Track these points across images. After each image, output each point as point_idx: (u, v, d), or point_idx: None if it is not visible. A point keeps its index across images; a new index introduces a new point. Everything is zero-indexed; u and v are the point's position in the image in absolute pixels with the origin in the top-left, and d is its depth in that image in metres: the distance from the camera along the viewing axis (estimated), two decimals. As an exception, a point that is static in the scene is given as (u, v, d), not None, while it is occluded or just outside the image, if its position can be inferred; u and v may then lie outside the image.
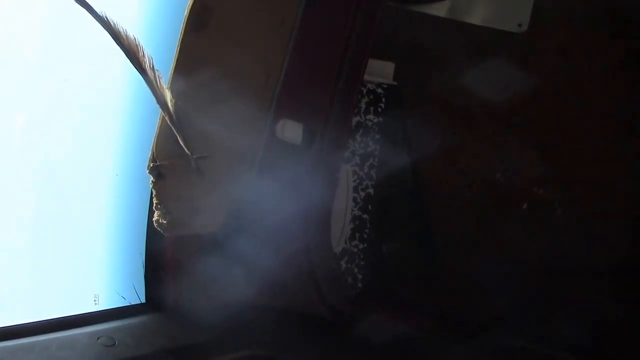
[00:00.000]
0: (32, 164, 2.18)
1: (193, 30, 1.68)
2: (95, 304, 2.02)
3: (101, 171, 2.30)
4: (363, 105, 2.30)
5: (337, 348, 2.00)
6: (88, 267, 2.25)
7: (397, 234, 2.42)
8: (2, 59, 2.03)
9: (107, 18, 1.50)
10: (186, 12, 1.67)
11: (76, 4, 1.46)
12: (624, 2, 2.23)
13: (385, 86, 2.34)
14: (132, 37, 1.54)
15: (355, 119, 2.27)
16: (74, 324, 1.76)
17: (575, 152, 2.29)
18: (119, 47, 1.54)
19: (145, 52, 1.57)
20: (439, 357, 1.99)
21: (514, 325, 2.06)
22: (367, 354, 1.95)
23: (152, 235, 1.90)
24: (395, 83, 2.37)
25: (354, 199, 2.28)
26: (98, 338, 1.71)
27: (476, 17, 2.34)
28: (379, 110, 2.32)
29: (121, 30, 1.52)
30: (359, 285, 2.28)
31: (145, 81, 1.59)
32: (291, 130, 1.89)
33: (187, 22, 1.67)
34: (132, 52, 1.55)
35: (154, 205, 1.71)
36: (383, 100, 2.33)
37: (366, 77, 2.18)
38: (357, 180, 2.29)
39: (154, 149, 1.69)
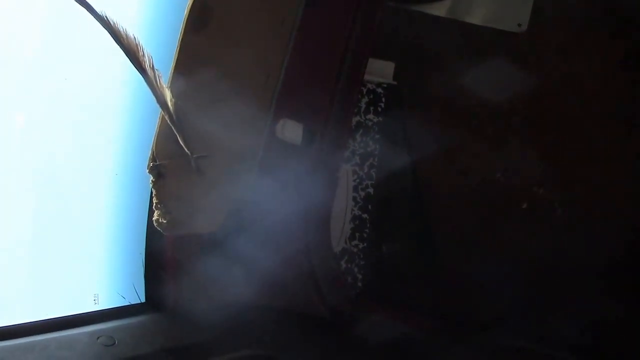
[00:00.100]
0: (32, 163, 2.18)
1: (193, 30, 1.68)
2: (95, 303, 2.02)
3: (101, 171, 2.30)
4: (363, 105, 2.30)
5: (337, 348, 2.00)
6: (88, 267, 2.25)
7: (397, 234, 2.41)
8: (2, 59, 2.03)
9: (107, 17, 1.50)
10: (186, 12, 1.67)
11: (76, 3, 1.46)
12: (624, 2, 2.23)
13: (385, 86, 2.34)
14: (132, 37, 1.54)
15: (355, 119, 2.27)
16: (73, 324, 1.76)
17: (575, 152, 2.29)
18: (118, 47, 1.54)
19: (145, 51, 1.57)
20: (439, 357, 1.99)
21: (514, 325, 2.06)
22: (367, 354, 1.94)
23: (152, 235, 1.90)
24: (395, 83, 2.37)
25: (354, 199, 2.28)
26: (98, 338, 1.71)
27: (476, 17, 2.34)
28: (379, 110, 2.33)
29: (121, 29, 1.52)
30: (359, 285, 2.28)
31: (145, 81, 1.59)
32: (291, 130, 1.89)
33: (187, 22, 1.67)
34: (132, 52, 1.55)
35: (154, 204, 1.71)
36: (383, 100, 2.33)
37: (366, 76, 2.18)
38: (357, 180, 2.29)
39: (154, 148, 1.69)
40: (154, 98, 1.62)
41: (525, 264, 2.19)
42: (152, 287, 2.00)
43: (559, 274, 2.17)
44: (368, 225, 2.30)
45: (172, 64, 1.67)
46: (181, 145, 1.67)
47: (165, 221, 1.69)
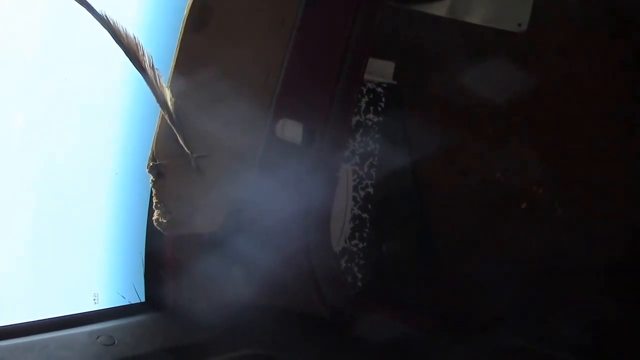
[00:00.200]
0: (32, 163, 2.18)
1: (193, 30, 1.67)
2: (95, 303, 2.02)
3: (101, 170, 2.30)
4: (363, 105, 2.30)
5: (337, 348, 2.00)
6: (88, 266, 2.25)
7: (397, 234, 2.42)
8: (2, 59, 2.03)
9: (107, 17, 1.49)
10: (186, 11, 1.67)
11: (76, 3, 1.46)
12: (624, 2, 2.23)
13: (385, 85, 2.34)
14: (132, 36, 1.54)
15: (355, 118, 2.27)
16: (73, 323, 1.76)
17: (575, 152, 2.29)
18: (118, 46, 1.54)
19: (145, 51, 1.57)
20: (439, 357, 1.98)
21: (514, 325, 2.06)
22: (367, 354, 1.94)
23: (152, 235, 1.89)
24: (395, 82, 2.38)
25: (354, 198, 2.28)
26: (97, 337, 1.71)
27: (476, 16, 2.34)
28: (379, 109, 2.33)
29: (121, 29, 1.52)
30: (359, 284, 2.28)
31: (145, 80, 1.59)
32: (291, 130, 1.89)
33: (187, 22, 1.67)
34: (132, 51, 1.55)
35: (154, 204, 1.70)
36: (383, 99, 2.33)
37: (366, 76, 2.18)
38: (357, 180, 2.29)
39: (154, 148, 1.69)
40: (154, 97, 1.62)
41: (525, 264, 2.19)
42: (152, 286, 2.00)
43: (559, 274, 2.17)
44: (368, 224, 2.30)
45: (172, 64, 1.67)
46: (181, 145, 1.67)
47: (165, 221, 1.69)
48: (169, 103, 1.63)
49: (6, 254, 2.11)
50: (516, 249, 2.26)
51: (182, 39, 1.67)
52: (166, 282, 1.96)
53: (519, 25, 2.29)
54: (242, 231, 1.87)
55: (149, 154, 1.69)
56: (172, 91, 1.63)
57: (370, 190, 2.31)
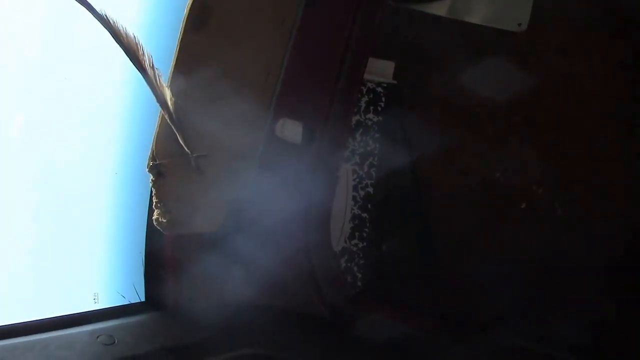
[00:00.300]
0: (32, 162, 2.19)
1: (193, 29, 1.67)
2: (95, 302, 2.02)
3: (101, 170, 2.30)
4: (363, 104, 2.30)
5: (337, 348, 2.00)
6: (88, 266, 2.25)
7: (397, 233, 2.42)
8: (2, 59, 2.04)
9: (107, 17, 1.49)
10: (186, 11, 1.67)
11: (76, 3, 1.46)
12: (624, 2, 2.23)
13: (385, 85, 2.34)
14: (132, 36, 1.54)
15: (355, 118, 2.27)
16: (73, 323, 1.76)
17: (575, 152, 2.29)
18: (118, 46, 1.54)
19: (145, 50, 1.57)
20: (439, 357, 1.98)
21: (514, 325, 2.05)
22: (367, 354, 1.94)
23: (152, 234, 1.90)
24: (395, 82, 2.38)
25: (354, 198, 2.28)
26: (97, 337, 1.71)
27: (476, 16, 2.34)
28: (379, 109, 2.33)
29: (121, 28, 1.52)
30: (359, 284, 2.28)
31: (145, 80, 1.59)
32: (291, 130, 1.89)
33: (186, 21, 1.67)
34: (132, 51, 1.55)
35: (154, 203, 1.70)
36: (383, 99, 2.33)
37: (366, 76, 2.18)
38: (357, 179, 2.29)
39: (154, 147, 1.69)
40: (154, 97, 1.62)
41: (525, 264, 2.18)
42: (151, 286, 2.00)
43: (559, 274, 2.17)
44: (368, 224, 2.30)
45: (172, 63, 1.67)
46: (181, 145, 1.67)
47: (165, 220, 1.69)
48: (169, 103, 1.63)
49: (6, 254, 2.11)
50: (516, 249, 2.26)
51: (182, 38, 1.67)
52: (166, 281, 1.96)
53: (519, 25, 2.29)
54: (242, 231, 1.87)
55: (149, 154, 1.69)
56: (172, 91, 1.63)
57: (370, 190, 2.31)
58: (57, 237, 2.21)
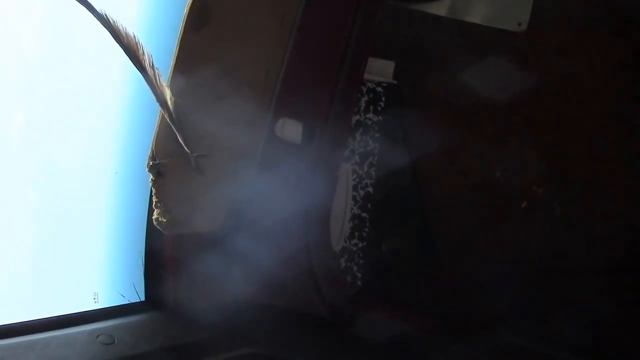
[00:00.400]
0: (32, 162, 2.19)
1: (193, 29, 1.68)
2: (95, 302, 2.02)
3: (101, 169, 2.30)
4: (363, 104, 2.30)
5: (337, 347, 2.00)
6: (88, 266, 2.25)
7: (397, 233, 2.42)
8: (2, 59, 2.04)
9: (106, 16, 1.49)
10: (186, 10, 1.67)
11: (76, 2, 1.46)
12: (624, 2, 2.23)
13: (385, 85, 2.34)
14: (132, 35, 1.54)
15: (355, 118, 2.27)
16: (73, 322, 1.76)
17: (575, 152, 2.29)
18: (118, 45, 1.54)
19: (145, 50, 1.57)
20: (439, 357, 1.98)
21: (514, 325, 2.06)
22: (367, 354, 1.94)
23: (152, 234, 1.90)
24: (395, 82, 2.38)
25: (354, 198, 2.28)
26: (97, 336, 1.71)
27: (476, 16, 2.34)
28: (379, 109, 2.33)
29: (121, 28, 1.52)
30: (359, 283, 2.28)
31: (145, 79, 1.59)
32: (291, 129, 1.89)
33: (186, 20, 1.67)
34: (131, 50, 1.55)
35: (154, 203, 1.70)
36: (383, 99, 2.33)
37: (366, 75, 2.18)
38: (357, 179, 2.29)
39: (154, 147, 1.69)
40: (154, 97, 1.62)
41: (525, 264, 2.19)
42: (151, 285, 2.00)
43: (559, 274, 2.17)
44: (367, 224, 2.30)
45: (171, 63, 1.67)
46: (181, 144, 1.67)
47: (165, 220, 1.69)
48: (169, 102, 1.63)
49: (7, 254, 2.11)
50: (516, 249, 2.26)
51: (182, 38, 1.67)
52: (166, 281, 1.96)
53: (519, 24, 2.29)
54: (242, 231, 1.87)
55: (149, 153, 1.69)
56: (172, 90, 1.63)
57: (370, 189, 2.31)
58: (57, 237, 2.21)
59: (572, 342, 1.98)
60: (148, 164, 1.69)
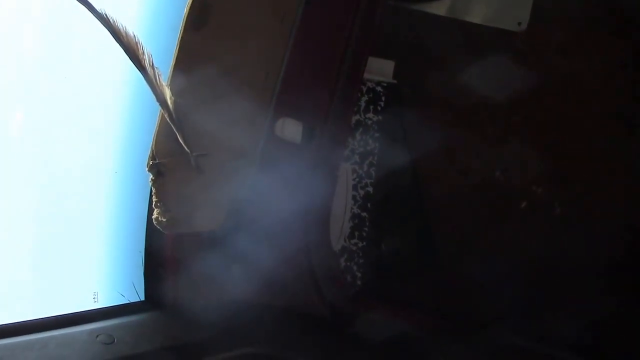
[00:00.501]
0: (32, 162, 2.19)
1: (193, 28, 1.68)
2: (95, 301, 2.02)
3: (101, 169, 2.30)
4: (362, 104, 2.30)
5: (337, 347, 2.00)
6: (87, 265, 2.25)
7: (397, 233, 2.41)
8: (2, 58, 2.04)
9: (106, 15, 1.49)
10: (186, 10, 1.67)
11: (76, 2, 1.46)
12: (624, 2, 2.23)
13: (384, 84, 2.34)
14: (132, 35, 1.54)
15: (354, 117, 2.27)
16: (73, 322, 1.76)
17: (575, 152, 2.29)
18: (118, 45, 1.54)
19: (145, 49, 1.57)
20: (439, 356, 1.98)
21: (514, 324, 2.06)
22: (367, 353, 1.94)
23: (152, 233, 1.89)
24: (395, 81, 2.38)
25: (353, 197, 2.28)
26: (97, 336, 1.71)
27: (476, 15, 2.34)
28: (379, 108, 2.33)
29: (121, 27, 1.52)
30: (358, 283, 2.28)
31: (145, 79, 1.59)
32: (291, 129, 1.89)
33: (186, 20, 1.67)
34: (131, 50, 1.55)
35: (154, 203, 1.70)
36: (383, 98, 2.33)
37: (366, 75, 2.18)
38: (357, 179, 2.29)
39: (154, 146, 1.69)
40: (154, 96, 1.62)
41: (525, 264, 2.18)
42: (151, 285, 2.00)
43: (559, 274, 2.17)
44: (367, 223, 2.30)
45: (171, 62, 1.67)
46: (181, 144, 1.67)
47: (164, 219, 1.69)
48: (169, 102, 1.63)
49: (6, 253, 2.11)
50: (516, 249, 2.26)
51: (182, 37, 1.67)
52: (166, 281, 1.96)
53: (519, 24, 2.29)
54: (242, 230, 1.87)
55: (149, 153, 1.69)
56: (172, 90, 1.63)
57: (370, 189, 2.31)
58: (57, 237, 2.21)
59: (572, 342, 1.98)
60: (148, 163, 1.69)
